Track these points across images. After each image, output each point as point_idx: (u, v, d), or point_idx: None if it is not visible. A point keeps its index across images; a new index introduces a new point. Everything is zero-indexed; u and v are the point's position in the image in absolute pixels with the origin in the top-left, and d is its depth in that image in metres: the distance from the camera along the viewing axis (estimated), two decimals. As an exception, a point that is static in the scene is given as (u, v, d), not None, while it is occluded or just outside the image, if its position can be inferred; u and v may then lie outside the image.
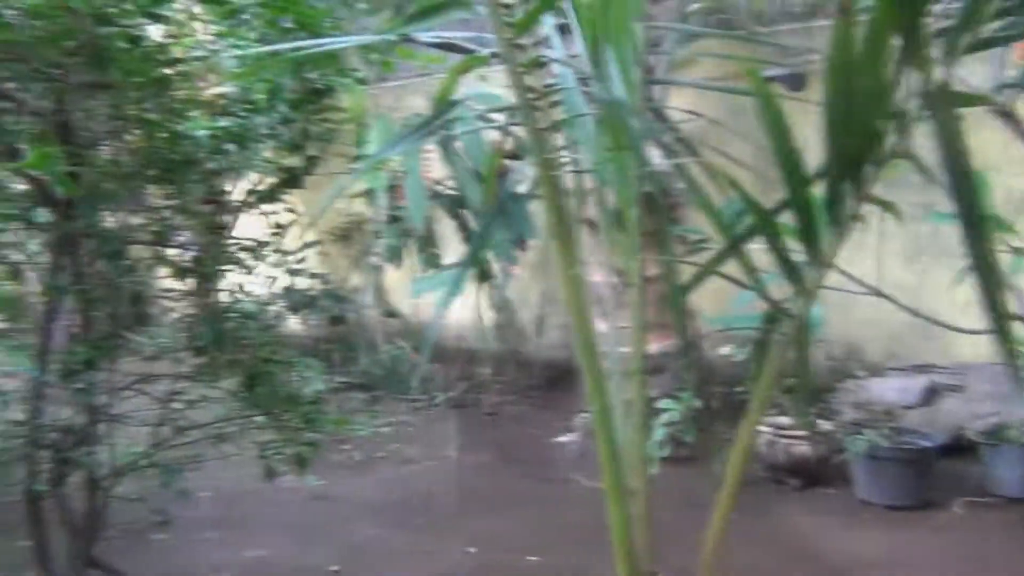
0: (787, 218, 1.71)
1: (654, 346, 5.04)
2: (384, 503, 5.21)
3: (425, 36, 2.22)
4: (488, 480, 5.61)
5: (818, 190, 1.64)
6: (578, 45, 1.96)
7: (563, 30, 2.09)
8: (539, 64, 1.96)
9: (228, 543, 4.53)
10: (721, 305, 2.69)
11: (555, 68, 2.12)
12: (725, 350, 5.32)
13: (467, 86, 2.29)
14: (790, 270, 1.68)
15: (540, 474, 5.63)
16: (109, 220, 3.08)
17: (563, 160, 2.02)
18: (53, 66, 2.68)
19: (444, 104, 2.07)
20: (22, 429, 2.96)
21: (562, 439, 6.17)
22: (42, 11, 2.51)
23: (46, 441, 3.01)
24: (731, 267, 1.81)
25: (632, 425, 1.89)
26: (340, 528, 4.74)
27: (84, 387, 2.91)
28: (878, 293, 2.51)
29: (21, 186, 3.01)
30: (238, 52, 3.12)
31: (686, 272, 1.97)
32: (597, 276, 4.81)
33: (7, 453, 2.96)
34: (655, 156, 2.23)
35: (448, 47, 3.63)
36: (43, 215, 3.00)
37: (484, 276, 2.47)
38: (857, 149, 1.53)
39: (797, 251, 1.72)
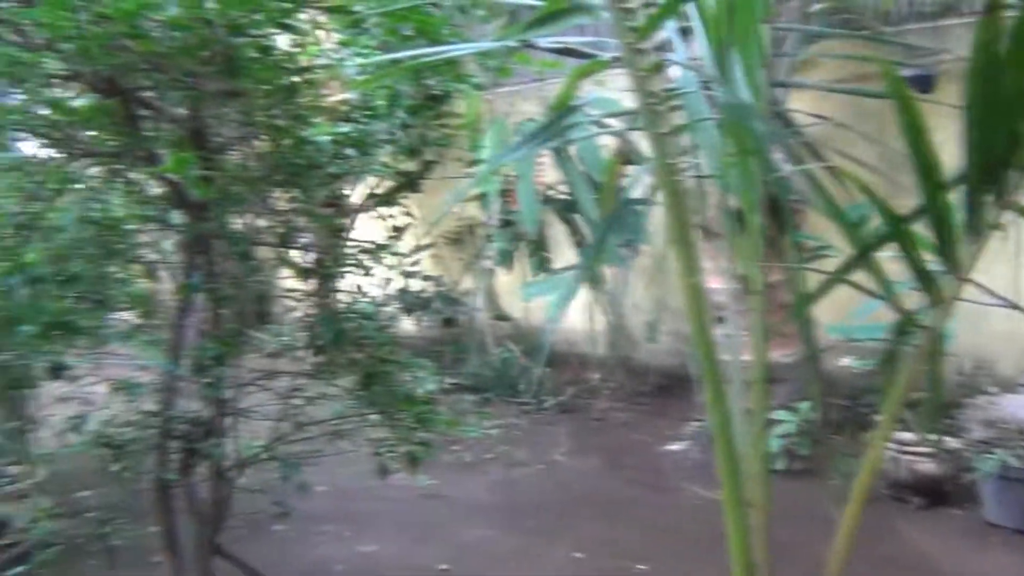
0: (918, 225, 1.65)
1: (772, 355, 4.92)
2: (493, 504, 5.26)
3: (543, 42, 2.22)
4: (597, 485, 5.57)
5: (955, 196, 1.57)
6: (700, 48, 1.93)
7: (684, 33, 2.06)
8: (660, 68, 1.94)
9: (342, 537, 4.66)
10: (840, 314, 2.60)
11: (676, 72, 2.09)
12: (846, 361, 5.14)
13: (583, 91, 2.29)
14: (924, 280, 1.61)
15: (650, 481, 5.57)
16: (237, 222, 3.20)
17: (683, 165, 1.99)
18: (189, 75, 2.80)
19: (563, 109, 2.07)
20: (154, 420, 3.12)
21: (672, 447, 6.09)
22: (181, 23, 2.63)
23: (176, 432, 3.16)
24: (854, 275, 1.75)
25: (751, 435, 1.85)
26: (450, 527, 4.80)
27: (213, 381, 3.04)
28: (1014, 306, 2.38)
29: (158, 189, 3.17)
30: (360, 60, 3.20)
31: (807, 280, 1.92)
32: (714, 283, 4.74)
33: (140, 443, 3.12)
34: (779, 160, 2.17)
35: (567, 52, 3.64)
36: (177, 217, 3.15)
37: (596, 281, 2.46)
38: (1000, 153, 1.46)
39: (930, 260, 1.65)
